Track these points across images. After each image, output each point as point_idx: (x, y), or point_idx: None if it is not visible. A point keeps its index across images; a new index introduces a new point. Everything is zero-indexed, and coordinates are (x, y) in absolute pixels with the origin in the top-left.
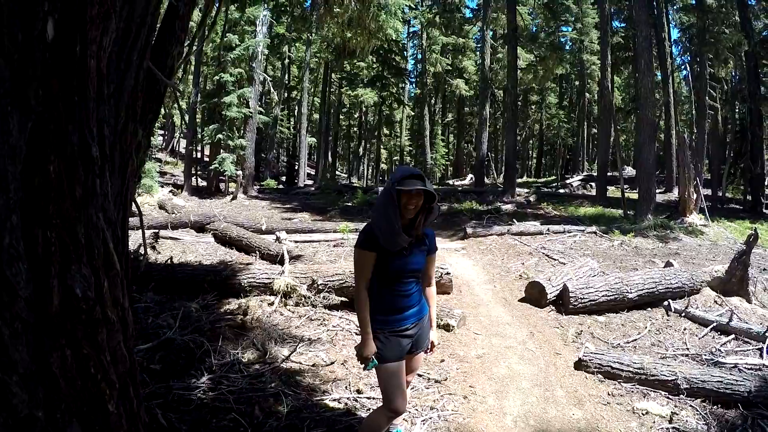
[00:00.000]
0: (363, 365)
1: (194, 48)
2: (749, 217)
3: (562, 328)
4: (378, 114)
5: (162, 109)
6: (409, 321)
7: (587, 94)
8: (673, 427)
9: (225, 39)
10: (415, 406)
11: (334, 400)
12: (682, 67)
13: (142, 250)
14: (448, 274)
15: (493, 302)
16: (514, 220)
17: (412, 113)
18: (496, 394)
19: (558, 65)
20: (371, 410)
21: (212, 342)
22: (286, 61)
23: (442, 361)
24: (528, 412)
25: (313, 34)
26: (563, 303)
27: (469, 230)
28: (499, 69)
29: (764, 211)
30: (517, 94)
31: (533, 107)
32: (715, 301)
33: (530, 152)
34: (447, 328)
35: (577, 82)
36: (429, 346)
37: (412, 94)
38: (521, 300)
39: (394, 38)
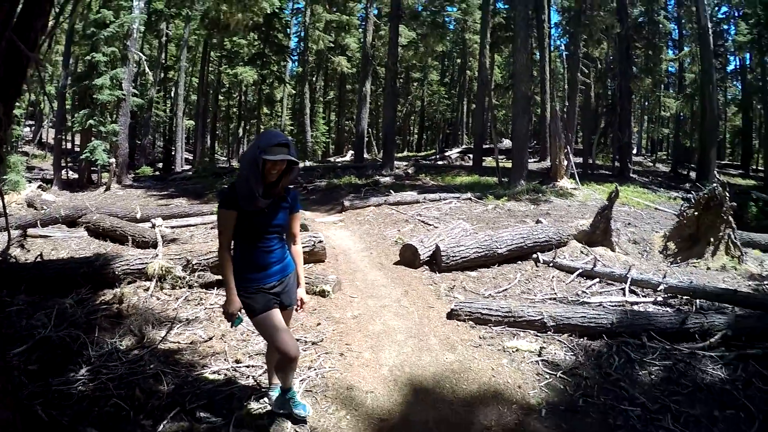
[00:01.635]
0: (230, 323)
1: (62, 20)
2: (617, 181)
3: (435, 285)
4: (258, 93)
5: (28, 96)
6: (273, 278)
7: (468, 72)
8: (543, 359)
9: (99, 15)
10: None
11: (214, 372)
12: (561, 47)
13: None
14: (321, 242)
15: (369, 268)
16: (392, 191)
17: (294, 92)
18: (372, 348)
19: (439, 42)
20: (251, 377)
21: (89, 334)
22: (164, 39)
23: (318, 324)
24: (403, 361)
25: (193, 10)
26: (436, 262)
27: (347, 203)
28: (381, 46)
29: (631, 175)
30: (397, 70)
31: (415, 84)
32: (581, 252)
33: (412, 128)
34: (323, 294)
35: (459, 60)
36: (299, 304)
37: (294, 72)
38: (396, 263)
39: (268, 11)
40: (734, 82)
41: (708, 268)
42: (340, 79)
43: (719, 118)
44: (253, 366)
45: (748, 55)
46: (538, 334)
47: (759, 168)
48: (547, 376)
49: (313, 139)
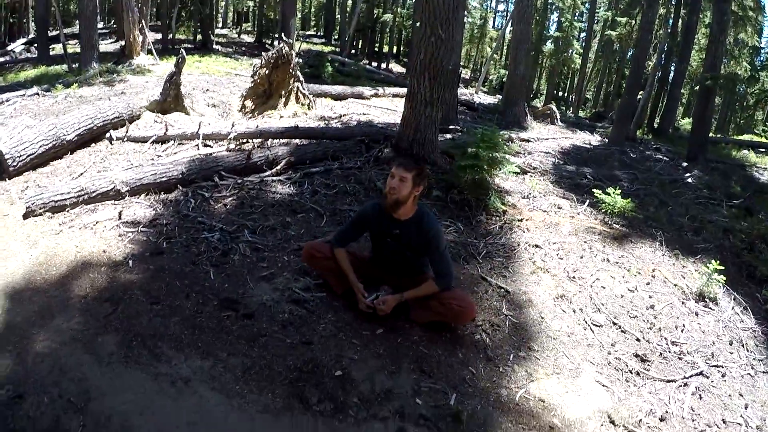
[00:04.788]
0: None
1: None
2: (200, 53)
3: (6, 192)
4: None
5: None
6: None
7: None
8: (123, 222)
9: None
10: None
11: None
12: None
13: None
14: None
15: None
16: None
17: None
18: None
19: None
20: None
21: None
22: None
23: None
24: None
25: None
26: (4, 169)
27: None
28: None
29: (215, 47)
30: None
31: None
32: (155, 121)
33: None
34: None
35: None
36: None
37: None
38: None
39: None
40: None
41: (281, 116)
42: None
43: None
44: None
45: None
46: (116, 203)
47: (337, 38)
48: (130, 234)
49: None
